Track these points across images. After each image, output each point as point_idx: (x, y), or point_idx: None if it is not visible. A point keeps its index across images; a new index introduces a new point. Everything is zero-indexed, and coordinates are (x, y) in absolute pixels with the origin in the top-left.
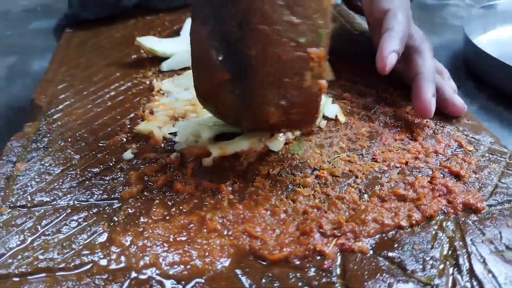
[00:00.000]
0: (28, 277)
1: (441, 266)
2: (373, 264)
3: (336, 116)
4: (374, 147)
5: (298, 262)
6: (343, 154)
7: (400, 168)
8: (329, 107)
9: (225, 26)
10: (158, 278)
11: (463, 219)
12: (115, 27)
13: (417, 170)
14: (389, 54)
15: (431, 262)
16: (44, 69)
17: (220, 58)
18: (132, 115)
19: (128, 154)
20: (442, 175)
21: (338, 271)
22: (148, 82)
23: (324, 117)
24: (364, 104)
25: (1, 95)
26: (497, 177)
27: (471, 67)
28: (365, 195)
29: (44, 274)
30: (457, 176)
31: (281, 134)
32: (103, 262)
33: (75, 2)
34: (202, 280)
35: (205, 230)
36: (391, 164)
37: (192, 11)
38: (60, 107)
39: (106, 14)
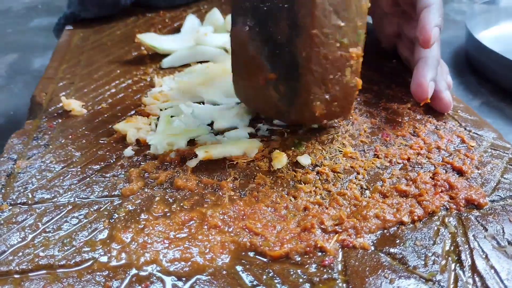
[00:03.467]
0: (29, 274)
1: (443, 262)
2: (375, 260)
3: None
4: (376, 143)
5: (299, 258)
6: (344, 150)
7: (402, 164)
8: None
9: (273, 29)
10: (159, 274)
11: (465, 214)
12: (115, 24)
13: (419, 166)
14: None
15: (433, 258)
16: (45, 67)
17: (266, 60)
18: (132, 112)
19: (128, 151)
20: (444, 171)
21: (340, 267)
22: (148, 79)
23: None
24: (366, 101)
25: (2, 93)
26: (499, 173)
27: (473, 62)
28: (367, 191)
29: (44, 271)
30: (460, 172)
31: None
32: (104, 259)
33: (74, 1)
34: (203, 277)
35: (205, 227)
36: (393, 160)
37: (232, 15)
38: (61, 104)
39: (105, 13)
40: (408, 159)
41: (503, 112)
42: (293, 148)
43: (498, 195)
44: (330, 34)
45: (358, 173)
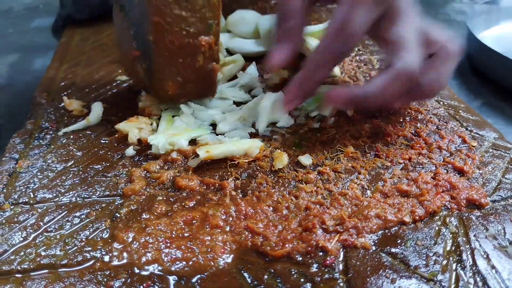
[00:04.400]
0: (31, 274)
1: (444, 262)
2: (376, 260)
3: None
4: (377, 142)
5: (301, 258)
6: (345, 150)
7: (403, 164)
8: None
9: (132, 13)
10: (160, 274)
11: (467, 214)
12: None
13: (421, 166)
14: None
15: (434, 258)
16: (46, 67)
17: (132, 38)
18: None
19: (130, 151)
20: (445, 171)
21: (341, 267)
22: None
23: (335, 114)
24: None
25: (3, 93)
26: (501, 173)
27: (474, 63)
28: (368, 191)
29: (46, 271)
30: (461, 172)
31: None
32: (106, 258)
33: (68, 2)
34: (205, 276)
35: (207, 227)
36: (394, 160)
37: None
38: (62, 104)
39: (98, 14)
40: (409, 159)
41: (504, 112)
42: (294, 148)
43: (499, 195)
44: (174, 23)
45: (359, 173)
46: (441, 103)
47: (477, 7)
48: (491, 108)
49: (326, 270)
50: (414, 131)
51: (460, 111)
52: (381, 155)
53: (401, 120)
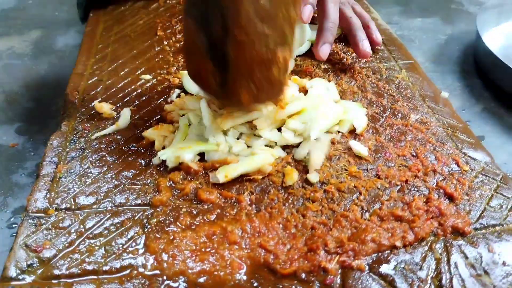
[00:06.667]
0: (77, 279)
1: (426, 287)
2: (369, 281)
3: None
4: (378, 161)
5: (305, 276)
6: (349, 169)
7: (400, 186)
8: (360, 117)
9: (210, 27)
10: (187, 285)
11: (451, 241)
12: (137, 12)
13: (416, 189)
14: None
15: (417, 283)
16: (69, 47)
17: (206, 51)
18: (158, 116)
19: (156, 160)
20: (437, 196)
21: (339, 286)
22: (171, 80)
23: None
24: (373, 115)
25: (30, 74)
26: (486, 200)
27: (480, 65)
28: (367, 214)
29: (91, 277)
30: (451, 197)
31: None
32: (140, 268)
33: None
34: None
35: (226, 243)
36: (392, 182)
37: (184, 6)
38: (93, 104)
39: None
40: (406, 181)
41: (503, 119)
42: (303, 163)
43: (481, 223)
44: (256, 40)
45: (360, 193)
46: (441, 121)
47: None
48: (491, 114)
49: None
50: (413, 151)
51: (458, 132)
52: (381, 176)
53: (403, 139)
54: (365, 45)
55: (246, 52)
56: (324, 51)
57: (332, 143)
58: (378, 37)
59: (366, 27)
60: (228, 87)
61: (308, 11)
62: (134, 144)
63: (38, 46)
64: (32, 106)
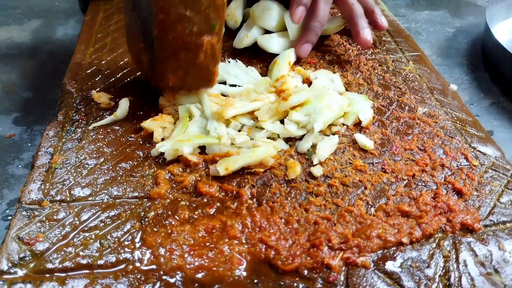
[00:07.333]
0: (70, 273)
1: (434, 286)
2: (374, 279)
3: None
4: (384, 155)
5: (307, 273)
6: (354, 162)
7: (407, 181)
8: (365, 110)
9: (139, 7)
10: (184, 280)
11: (460, 238)
12: None
13: (423, 184)
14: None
15: (425, 281)
16: (68, 37)
17: (139, 30)
18: (157, 107)
19: (155, 151)
20: (445, 191)
21: (343, 284)
22: None
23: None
24: (379, 108)
25: (29, 63)
26: (496, 196)
27: (489, 57)
28: (372, 209)
29: (85, 271)
30: (459, 193)
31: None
32: (137, 262)
33: None
34: (222, 286)
35: (226, 237)
36: (398, 176)
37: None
38: (90, 94)
39: None
40: (413, 176)
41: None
42: (306, 156)
43: (491, 220)
44: (178, 22)
45: (365, 188)
46: (450, 114)
47: None
48: (499, 109)
49: (329, 286)
50: (421, 145)
51: (467, 125)
52: (387, 170)
53: (410, 132)
54: (366, 33)
55: (169, 33)
56: (304, 49)
57: (337, 134)
58: (383, 22)
59: (370, 12)
60: (155, 68)
61: (299, 12)
62: (132, 135)
63: (37, 36)
64: (30, 97)
